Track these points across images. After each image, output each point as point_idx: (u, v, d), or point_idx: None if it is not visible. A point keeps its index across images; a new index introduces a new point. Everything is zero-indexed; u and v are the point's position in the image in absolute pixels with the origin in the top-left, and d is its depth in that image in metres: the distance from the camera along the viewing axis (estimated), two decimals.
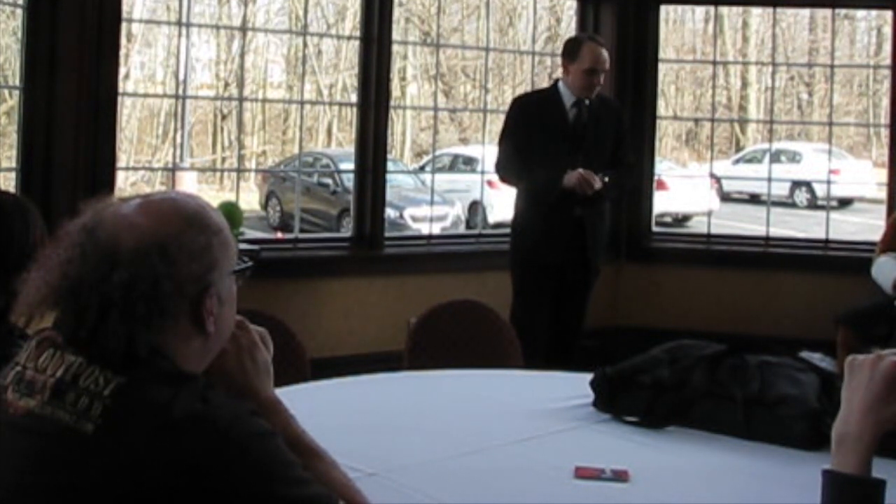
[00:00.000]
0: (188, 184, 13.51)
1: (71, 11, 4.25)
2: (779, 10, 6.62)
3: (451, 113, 19.80)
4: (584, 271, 4.27)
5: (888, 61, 6.52)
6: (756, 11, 18.91)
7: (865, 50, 20.83)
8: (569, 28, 14.39)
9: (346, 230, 9.40)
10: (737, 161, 17.65)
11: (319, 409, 1.98)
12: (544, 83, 4.96)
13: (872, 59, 19.29)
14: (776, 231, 6.37)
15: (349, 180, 6.46)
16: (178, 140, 15.16)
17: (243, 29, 7.76)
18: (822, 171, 10.99)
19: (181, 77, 14.91)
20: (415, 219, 12.00)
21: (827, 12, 10.57)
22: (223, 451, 1.20)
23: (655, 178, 6.05)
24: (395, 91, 16.99)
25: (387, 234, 5.34)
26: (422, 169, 15.08)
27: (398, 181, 12.32)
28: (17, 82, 4.41)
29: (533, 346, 3.60)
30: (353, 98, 6.27)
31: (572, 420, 2.16)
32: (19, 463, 1.23)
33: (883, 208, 5.88)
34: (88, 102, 4.31)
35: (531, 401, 2.29)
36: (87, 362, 1.24)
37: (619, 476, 1.80)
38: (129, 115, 17.05)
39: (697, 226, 12.98)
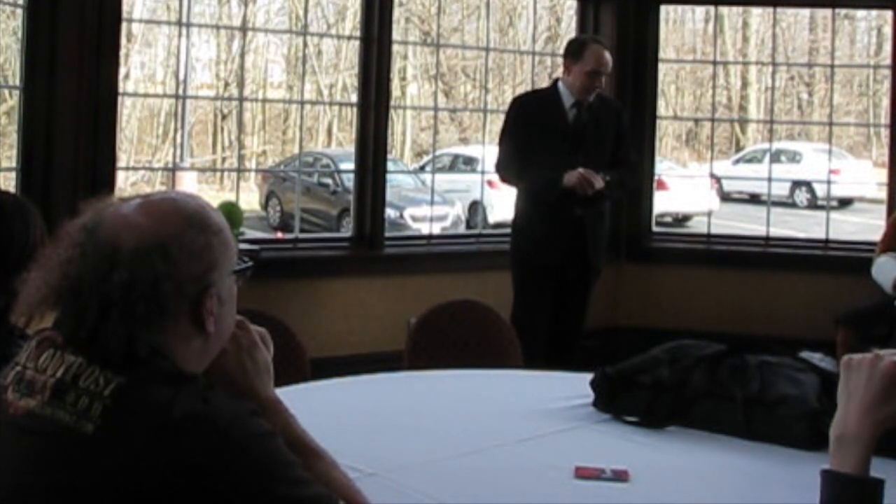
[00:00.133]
0: (188, 184, 13.52)
1: (71, 11, 4.25)
2: (779, 10, 6.62)
3: (451, 113, 19.80)
4: (584, 271, 4.27)
5: (888, 61, 6.52)
6: (756, 11, 18.91)
7: (865, 50, 20.84)
8: (569, 28, 14.40)
9: (346, 230, 9.40)
10: (737, 161, 17.65)
11: (319, 409, 1.98)
12: (544, 83, 4.96)
13: (872, 59, 19.29)
14: (776, 231, 6.37)
15: (349, 180, 6.46)
16: (178, 140, 15.17)
17: (243, 29, 7.77)
18: (822, 171, 11.00)
19: (181, 77, 14.92)
20: (415, 219, 12.00)
21: (827, 12, 10.58)
22: (223, 452, 1.20)
23: (655, 178, 6.05)
24: (395, 91, 17.00)
25: (387, 234, 5.34)
26: (422, 169, 15.08)
27: (398, 181, 12.32)
28: (17, 82, 4.41)
29: (533, 346, 3.60)
30: (353, 98, 6.27)
31: (572, 420, 2.16)
32: (19, 463, 1.23)
33: (883, 208, 5.88)
34: (88, 102, 4.31)
35: (531, 401, 2.29)
36: (87, 362, 1.24)
37: (619, 476, 1.80)
38: (129, 115, 17.05)
39: (697, 226, 12.98)
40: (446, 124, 19.11)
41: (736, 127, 20.95)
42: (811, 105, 21.38)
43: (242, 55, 13.58)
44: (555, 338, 4.20)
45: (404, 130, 18.90)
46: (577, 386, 2.30)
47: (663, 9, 5.98)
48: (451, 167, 14.65)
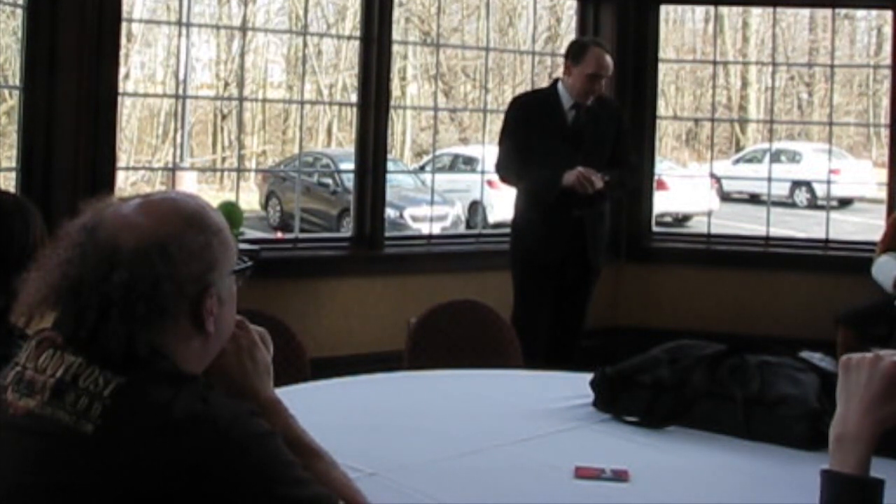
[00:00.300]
0: (188, 184, 13.52)
1: (71, 11, 4.25)
2: (779, 9, 6.62)
3: (451, 113, 19.80)
4: (584, 271, 4.26)
5: (888, 61, 6.52)
6: (756, 11, 18.91)
7: (865, 50, 20.84)
8: (569, 28, 14.40)
9: (346, 230, 9.41)
10: (737, 161, 17.65)
11: (319, 409, 1.98)
12: (544, 83, 4.96)
13: (872, 59, 19.30)
14: (776, 231, 6.36)
15: (349, 180, 6.46)
16: (178, 140, 15.17)
17: (243, 29, 7.77)
18: (822, 171, 11.00)
19: (181, 77, 14.92)
20: (415, 219, 12.01)
21: (827, 12, 10.58)
22: (223, 452, 1.20)
23: (655, 178, 6.05)
24: (395, 91, 16.99)
25: (387, 234, 5.34)
26: (422, 169, 15.08)
27: (398, 181, 12.32)
28: (17, 82, 4.41)
29: (533, 347, 3.60)
30: (353, 98, 6.27)
31: (572, 420, 2.16)
32: (19, 463, 1.23)
33: (883, 208, 5.88)
34: (88, 102, 4.31)
35: (531, 401, 2.29)
36: (86, 362, 1.24)
37: (619, 476, 1.80)
38: (129, 115, 17.05)
39: (697, 226, 12.98)
40: (446, 124, 19.11)
41: (736, 127, 20.95)
42: (811, 105, 21.38)
43: (242, 55, 13.59)
44: (555, 338, 4.20)
45: (404, 130, 18.90)
46: (577, 386, 2.30)
47: (663, 9, 5.98)
48: (451, 167, 14.66)
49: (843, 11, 14.90)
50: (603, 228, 4.34)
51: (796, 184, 16.24)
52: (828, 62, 10.83)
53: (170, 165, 15.50)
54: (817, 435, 1.92)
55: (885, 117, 9.60)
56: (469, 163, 13.91)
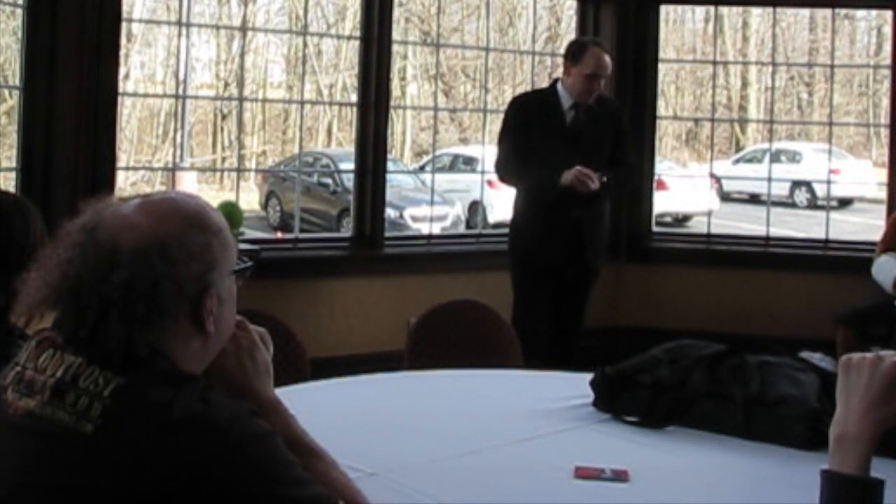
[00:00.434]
0: (188, 184, 13.52)
1: (71, 11, 4.25)
2: (779, 10, 6.62)
3: (451, 113, 19.80)
4: (582, 272, 4.26)
5: (888, 61, 6.52)
6: (756, 11, 18.90)
7: (865, 50, 20.84)
8: (569, 28, 14.40)
9: (346, 230, 9.41)
10: (737, 161, 17.65)
11: (319, 409, 1.97)
12: (544, 83, 4.95)
13: (872, 59, 19.29)
14: (776, 231, 6.36)
15: (349, 180, 6.46)
16: (178, 140, 15.17)
17: (243, 29, 7.77)
18: (822, 171, 11.00)
19: (181, 77, 14.92)
20: (415, 219, 12.01)
21: (827, 12, 10.58)
22: (223, 452, 1.20)
23: (655, 178, 6.05)
24: (395, 91, 17.00)
25: (387, 234, 5.34)
26: (422, 169, 15.08)
27: (398, 181, 12.32)
28: (17, 82, 4.41)
29: (533, 346, 3.60)
30: (353, 98, 6.27)
31: (572, 420, 2.16)
32: (19, 463, 1.23)
33: (883, 208, 5.88)
34: (88, 102, 4.31)
35: (531, 401, 2.29)
36: (86, 362, 1.24)
37: (619, 476, 1.80)
38: (129, 115, 17.05)
39: (697, 226, 12.99)
40: (446, 124, 19.11)
41: (736, 127, 20.95)
42: (811, 105, 21.38)
43: (242, 55, 13.58)
44: (554, 338, 4.20)
45: (404, 130, 18.90)
46: (577, 386, 2.30)
47: (663, 9, 5.98)
48: (451, 167, 14.66)
49: (843, 11, 14.90)
50: (602, 229, 4.34)
51: (796, 184, 16.24)
52: (828, 62, 10.82)
53: (170, 165, 15.50)
54: (817, 435, 1.92)
55: (885, 117, 9.59)
56: (469, 163, 13.91)
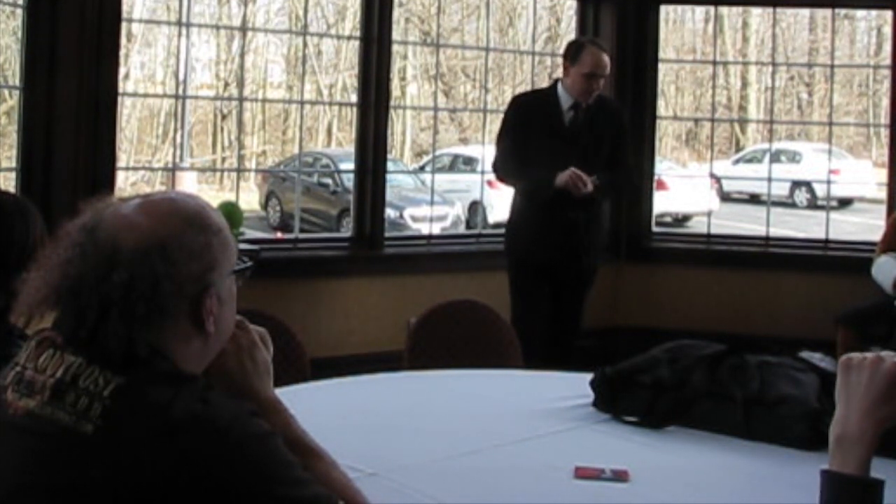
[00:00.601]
0: (188, 184, 13.52)
1: (71, 11, 4.25)
2: (779, 10, 6.62)
3: (451, 113, 19.80)
4: (578, 273, 4.25)
5: (888, 61, 6.52)
6: (756, 11, 18.90)
7: (865, 50, 20.84)
8: (569, 28, 14.41)
9: (346, 230, 9.41)
10: (737, 161, 17.65)
11: (319, 409, 1.98)
12: (544, 83, 4.96)
13: (872, 59, 19.29)
14: (776, 231, 6.36)
15: (349, 180, 6.46)
16: (178, 140, 15.16)
17: (243, 29, 7.77)
18: (822, 171, 11.00)
19: (181, 77, 14.91)
20: (415, 219, 12.01)
21: (827, 12, 10.58)
22: (223, 452, 1.20)
23: (655, 178, 6.05)
24: (395, 91, 17.00)
25: (387, 234, 5.34)
26: (422, 169, 15.08)
27: (398, 181, 12.32)
28: (17, 82, 4.41)
29: (531, 346, 3.60)
30: (353, 98, 6.27)
31: (572, 420, 2.16)
32: (19, 463, 1.23)
33: (883, 208, 5.88)
34: (88, 102, 4.31)
35: (531, 401, 2.29)
36: (86, 362, 1.24)
37: (619, 476, 1.80)
38: (129, 115, 17.05)
39: (697, 226, 12.98)
40: (446, 124, 19.11)
41: (736, 127, 20.95)
42: (811, 105, 21.38)
43: (242, 55, 13.58)
44: (552, 338, 4.19)
45: (404, 130, 18.90)
46: (577, 386, 2.30)
47: (663, 9, 5.98)
48: (451, 167, 14.66)
49: (843, 11, 14.89)
50: (598, 231, 4.32)
51: (796, 184, 16.24)
52: (828, 62, 10.82)
53: (170, 165, 15.50)
54: (817, 435, 1.92)
55: (885, 117, 9.59)
56: (469, 163, 13.91)
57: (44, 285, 1.29)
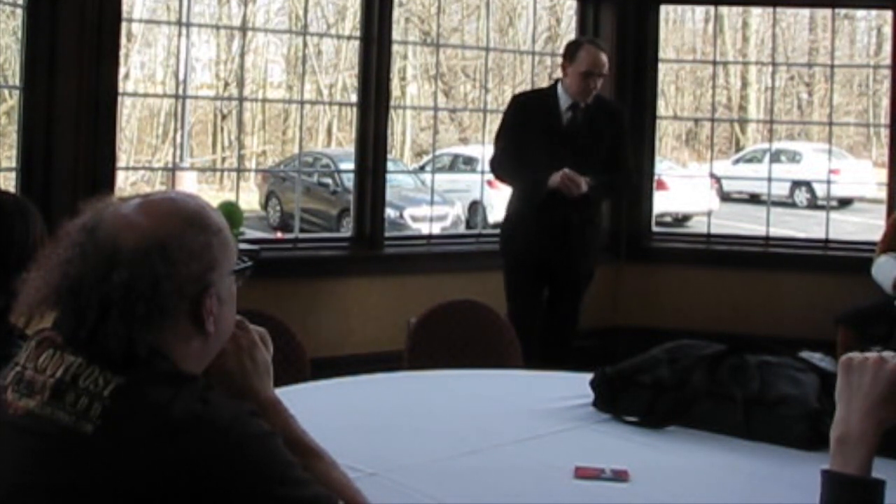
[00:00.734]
0: (188, 184, 13.51)
1: (71, 11, 4.25)
2: (779, 9, 6.62)
3: (451, 113, 19.80)
4: (574, 274, 4.25)
5: (888, 61, 6.51)
6: (756, 11, 18.91)
7: (865, 50, 20.84)
8: (569, 28, 14.40)
9: (346, 230, 9.41)
10: (737, 161, 17.65)
11: (319, 409, 1.97)
12: (544, 83, 4.96)
13: (872, 59, 19.29)
14: (776, 231, 6.36)
15: (349, 180, 6.46)
16: (178, 140, 15.16)
17: (243, 29, 7.77)
18: (822, 171, 11.00)
19: (181, 77, 14.90)
20: (415, 219, 12.01)
21: (827, 12, 10.59)
22: (223, 452, 1.20)
23: (655, 178, 6.05)
24: (395, 91, 16.99)
25: (387, 234, 5.34)
26: (422, 169, 15.08)
27: (398, 181, 12.32)
28: (17, 82, 4.41)
29: (527, 346, 3.60)
30: (353, 98, 6.27)
31: (572, 420, 2.16)
32: (19, 463, 1.23)
33: (883, 208, 5.88)
34: (88, 102, 4.31)
35: (531, 401, 2.29)
36: (86, 362, 1.24)
37: (619, 476, 1.80)
38: (129, 115, 17.05)
39: (697, 226, 12.98)
40: (446, 124, 19.11)
41: (736, 127, 20.95)
42: (811, 105, 21.38)
43: (242, 55, 13.59)
44: (549, 338, 4.19)
45: (404, 130, 18.90)
46: (577, 386, 2.30)
47: (663, 9, 5.98)
48: (451, 167, 14.66)
49: (843, 11, 14.90)
50: (595, 233, 4.31)
51: (796, 184, 16.24)
52: (828, 62, 10.83)
53: (170, 165, 15.49)
54: (817, 435, 1.92)
55: (885, 117, 9.59)
56: (469, 163, 13.91)
57: (44, 285, 1.29)
